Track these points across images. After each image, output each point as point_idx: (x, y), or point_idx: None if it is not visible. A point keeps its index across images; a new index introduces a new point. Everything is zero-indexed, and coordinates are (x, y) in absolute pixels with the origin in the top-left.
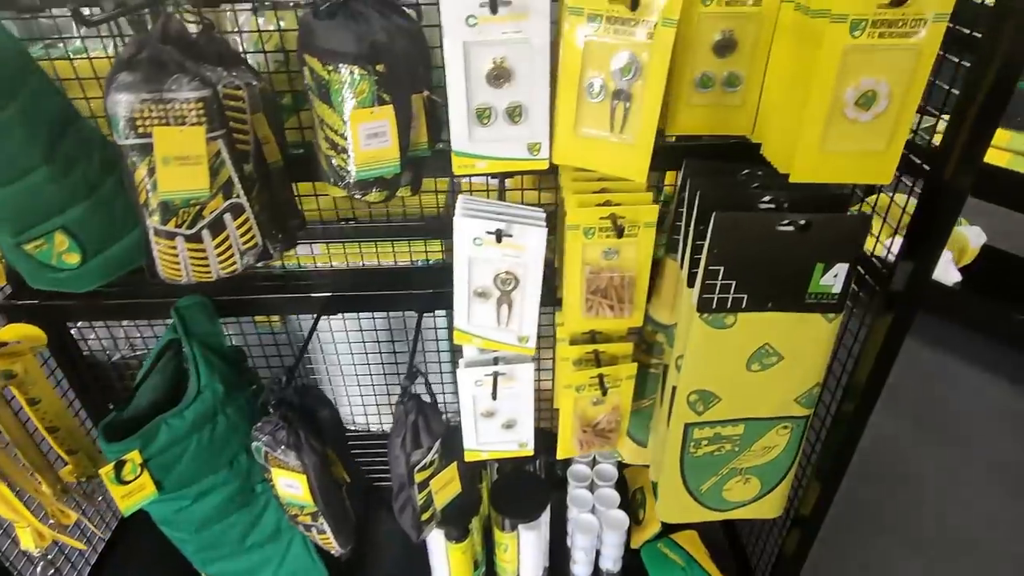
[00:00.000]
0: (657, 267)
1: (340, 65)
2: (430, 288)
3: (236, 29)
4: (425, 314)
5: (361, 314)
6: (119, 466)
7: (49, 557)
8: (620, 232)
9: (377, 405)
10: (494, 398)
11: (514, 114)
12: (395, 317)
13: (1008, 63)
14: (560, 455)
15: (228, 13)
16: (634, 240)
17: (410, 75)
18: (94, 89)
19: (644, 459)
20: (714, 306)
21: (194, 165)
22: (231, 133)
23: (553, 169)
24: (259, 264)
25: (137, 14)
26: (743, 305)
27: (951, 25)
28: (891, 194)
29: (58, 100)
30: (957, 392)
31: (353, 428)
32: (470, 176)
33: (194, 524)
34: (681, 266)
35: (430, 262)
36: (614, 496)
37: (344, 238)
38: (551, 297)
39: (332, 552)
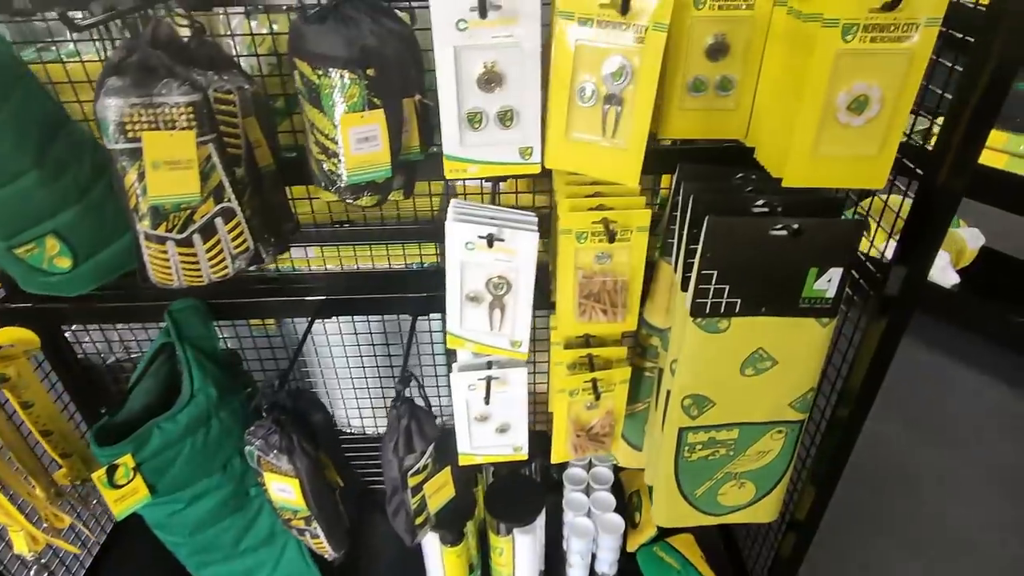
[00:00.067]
0: (651, 270)
1: (330, 69)
2: (424, 292)
3: (229, 33)
4: (420, 317)
5: (356, 317)
6: (112, 470)
7: (43, 561)
8: (612, 237)
9: (372, 408)
10: (487, 403)
11: (505, 118)
12: (390, 320)
13: (1001, 65)
14: (554, 459)
15: (221, 17)
16: (627, 244)
17: (402, 79)
18: (86, 92)
19: (639, 463)
20: (707, 310)
21: (184, 169)
22: (222, 137)
23: (547, 172)
24: (251, 268)
25: (130, 18)
26: (737, 309)
27: (944, 29)
28: (885, 197)
29: (49, 104)
30: (955, 394)
31: (348, 431)
32: (464, 180)
33: (188, 528)
34: (675, 270)
35: (424, 265)
36: (610, 499)
37: (338, 241)
38: (546, 300)
39: (325, 556)
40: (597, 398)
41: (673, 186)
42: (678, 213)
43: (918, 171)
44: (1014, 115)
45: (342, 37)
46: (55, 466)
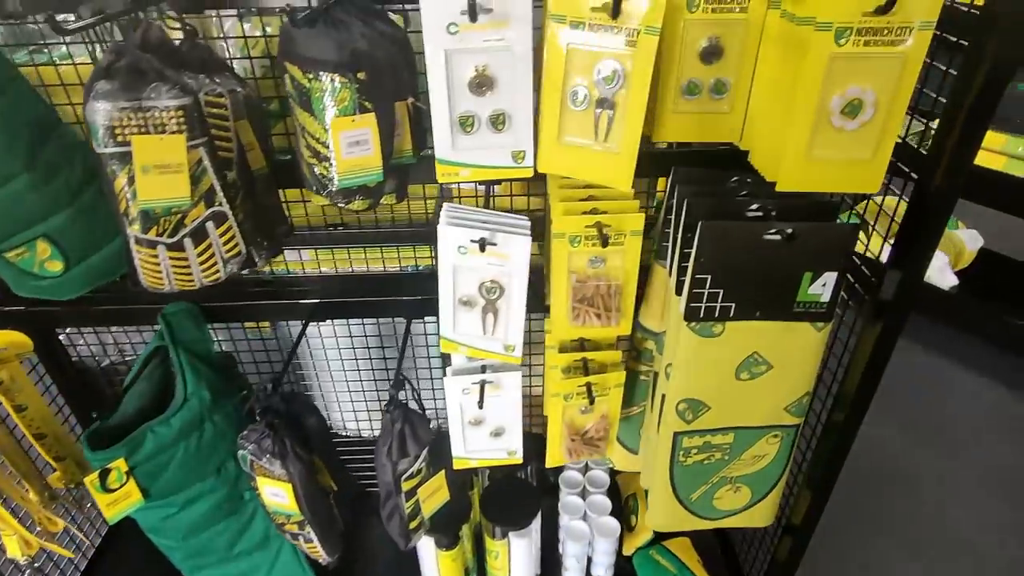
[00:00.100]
0: (646, 274)
1: (320, 73)
2: (419, 294)
3: (222, 35)
4: (416, 320)
5: (351, 320)
6: (104, 474)
7: (36, 565)
8: (605, 241)
9: (368, 411)
10: (480, 407)
11: (497, 122)
12: (385, 323)
13: (996, 68)
14: (549, 464)
15: (214, 19)
16: (621, 248)
17: (394, 82)
18: (79, 95)
19: (635, 466)
20: (702, 315)
21: (174, 173)
22: (213, 140)
23: (542, 175)
24: (244, 271)
25: (123, 21)
26: (731, 314)
27: (938, 32)
28: (880, 200)
29: (40, 107)
30: (953, 396)
31: (344, 434)
32: (459, 183)
33: (181, 532)
34: (670, 274)
35: (419, 268)
36: (606, 503)
37: (332, 244)
38: (541, 303)
39: (320, 561)
40: (591, 402)
41: (667, 190)
42: (672, 217)
43: (913, 175)
44: (1012, 117)
45: (332, 41)
46: (49, 469)
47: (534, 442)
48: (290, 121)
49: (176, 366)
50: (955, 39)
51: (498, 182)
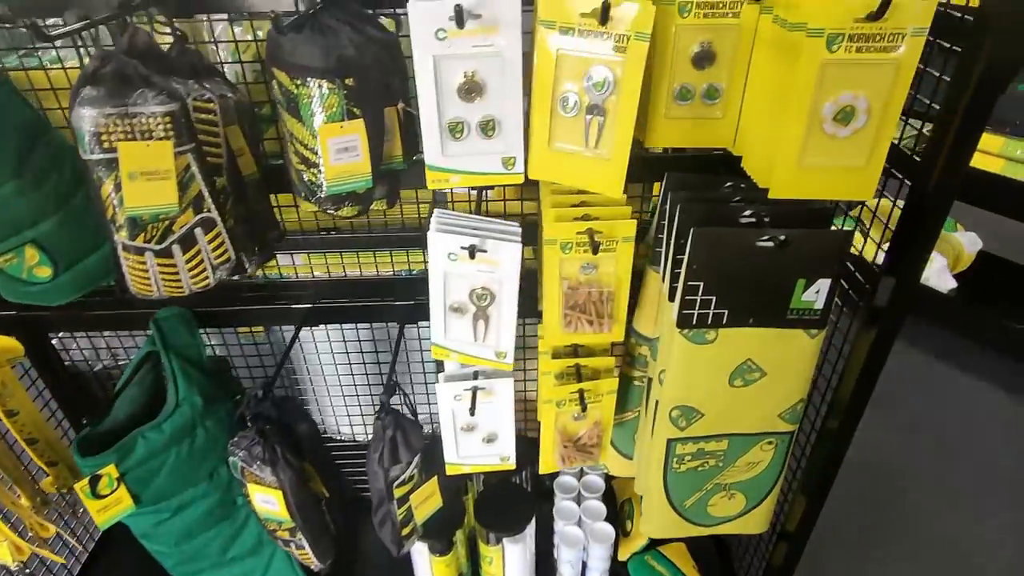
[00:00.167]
0: (640, 279)
1: (308, 79)
2: (412, 299)
3: (213, 40)
4: (410, 324)
5: (345, 324)
6: (94, 480)
7: (28, 571)
8: (596, 248)
9: (362, 415)
10: (471, 413)
11: (487, 128)
12: (379, 327)
13: (990, 71)
14: (542, 470)
15: (205, 23)
16: (612, 254)
17: (383, 88)
18: (68, 99)
19: (630, 471)
20: (694, 321)
21: (162, 180)
22: (201, 146)
23: (535, 180)
24: (235, 277)
25: (112, 25)
26: (724, 321)
27: (931, 38)
28: (875, 205)
29: (27, 112)
30: (951, 400)
31: (338, 438)
32: (451, 188)
33: (174, 537)
34: (663, 279)
35: (413, 272)
36: (600, 508)
37: (325, 248)
38: (535, 307)
39: (311, 567)
40: (584, 409)
41: (661, 195)
42: (665, 222)
43: (906, 181)
44: (1010, 119)
45: (319, 47)
46: (41, 474)
47: (529, 446)
48: (282, 126)
49: (168, 372)
50: (948, 45)
51: (490, 188)
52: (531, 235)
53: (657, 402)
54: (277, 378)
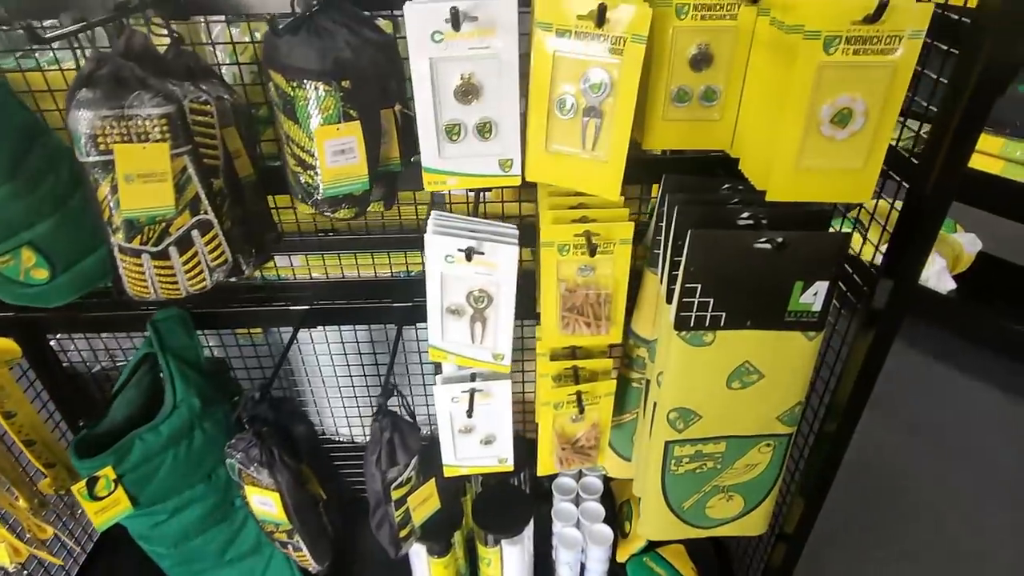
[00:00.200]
0: (638, 281)
1: (304, 81)
2: (410, 300)
3: (210, 41)
4: (409, 326)
5: (343, 326)
6: (92, 482)
7: (26, 573)
8: (593, 251)
9: (360, 417)
10: (469, 415)
11: (484, 130)
12: (377, 328)
13: (988, 70)
14: (540, 472)
15: (202, 25)
16: (610, 257)
17: (380, 90)
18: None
19: (628, 473)
20: (692, 324)
21: (158, 182)
22: (198, 148)
23: (532, 182)
24: (232, 279)
25: (109, 27)
26: (721, 323)
27: (928, 40)
28: (873, 208)
29: (23, 114)
30: (950, 401)
31: (336, 439)
32: (448, 190)
33: (172, 539)
34: (661, 281)
35: (411, 274)
36: (599, 510)
37: (323, 250)
38: (534, 308)
39: (309, 569)
40: (581, 411)
41: (659, 197)
42: (663, 224)
43: (904, 184)
44: (1009, 120)
45: (315, 49)
46: (39, 476)
47: (528, 447)
48: (278, 128)
49: (165, 373)
50: (946, 48)
51: (487, 190)
52: (530, 236)
53: (655, 404)
54: (275, 379)
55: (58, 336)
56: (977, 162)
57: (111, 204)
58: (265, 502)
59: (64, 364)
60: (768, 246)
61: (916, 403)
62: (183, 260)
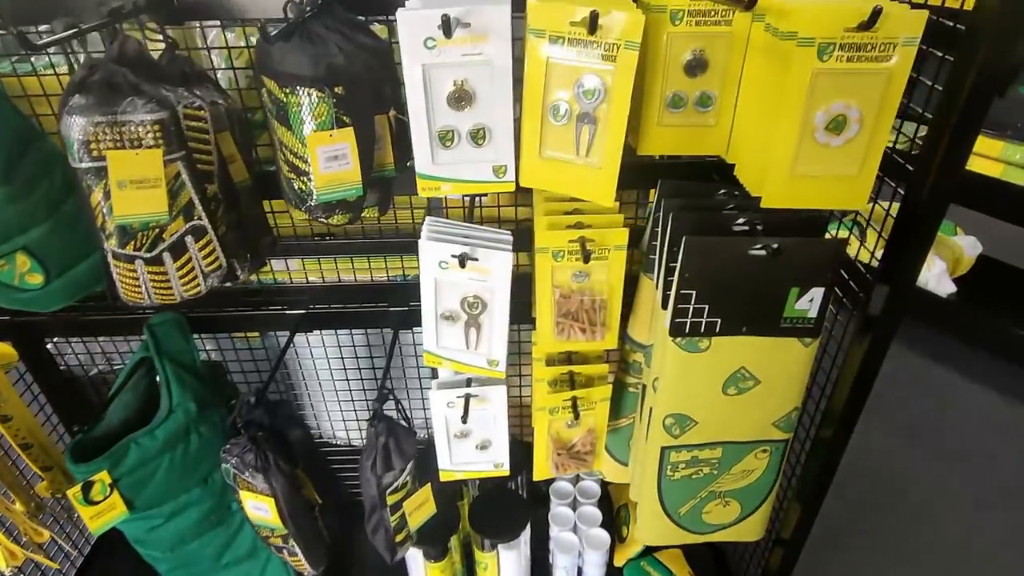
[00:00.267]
0: (634, 285)
1: (297, 87)
2: (407, 304)
3: (205, 46)
4: (405, 330)
5: (339, 330)
6: (87, 487)
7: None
8: (587, 257)
9: (358, 420)
10: (464, 421)
11: (477, 136)
12: (374, 332)
13: (983, 75)
14: (536, 477)
15: (197, 30)
16: (605, 263)
17: (373, 96)
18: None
19: (625, 477)
20: (687, 330)
21: (151, 188)
22: (192, 154)
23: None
24: (227, 284)
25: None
26: (717, 329)
27: (923, 47)
28: (869, 213)
29: (17, 119)
30: (950, 404)
31: (334, 443)
32: (443, 196)
33: (168, 543)
34: (656, 287)
35: (408, 278)
36: (596, 514)
37: (320, 254)
38: (529, 313)
39: (304, 574)
40: (576, 417)
41: (655, 202)
42: (659, 229)
43: (899, 190)
44: (1010, 123)
45: (308, 55)
46: (36, 479)
47: (525, 450)
48: (272, 134)
49: (161, 377)
50: (941, 54)
51: (483, 195)
52: (527, 240)
53: (651, 409)
54: (271, 383)
55: (55, 339)
56: (977, 165)
57: (104, 210)
58: (260, 507)
59: (61, 367)
60: (763, 252)
61: (915, 406)
62: (177, 266)
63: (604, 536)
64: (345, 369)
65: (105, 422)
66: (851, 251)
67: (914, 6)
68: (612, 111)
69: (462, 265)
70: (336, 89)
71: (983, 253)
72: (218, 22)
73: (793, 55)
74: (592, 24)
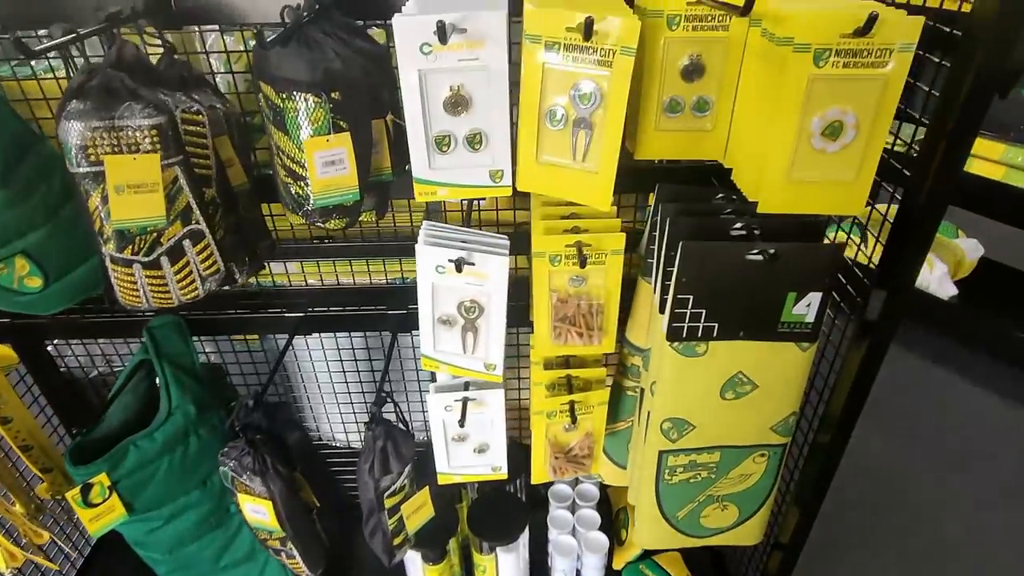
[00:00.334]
0: (632, 289)
1: (293, 93)
2: (405, 307)
3: (203, 50)
4: (403, 333)
5: (338, 332)
6: (86, 489)
7: None
8: (583, 262)
9: (357, 422)
10: (461, 425)
11: (474, 141)
12: (373, 334)
13: (980, 79)
14: (534, 481)
15: (196, 34)
16: (602, 267)
17: (370, 101)
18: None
19: (624, 480)
20: (684, 335)
21: (149, 192)
22: (189, 158)
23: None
24: (225, 287)
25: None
26: (714, 334)
27: (920, 52)
28: (866, 217)
29: (15, 124)
30: (951, 407)
31: (333, 445)
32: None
33: (167, 545)
34: (654, 291)
35: (406, 280)
36: (594, 517)
37: (318, 257)
38: (528, 316)
39: None
40: (574, 421)
41: (652, 206)
42: (657, 234)
43: (897, 196)
44: (1012, 125)
45: (305, 60)
46: (36, 481)
47: (524, 453)
48: (269, 138)
49: (161, 380)
50: (938, 60)
51: (480, 199)
52: (525, 243)
53: (649, 413)
54: (270, 386)
55: (55, 342)
56: (978, 168)
57: (102, 214)
58: (258, 510)
59: (61, 369)
60: (760, 257)
61: (915, 408)
62: (175, 270)
63: (602, 539)
64: (344, 372)
65: (105, 424)
66: (849, 254)
67: (911, 9)
68: (608, 116)
69: (459, 270)
70: (333, 94)
71: (985, 256)
72: (216, 26)
73: (789, 61)
74: (588, 30)
